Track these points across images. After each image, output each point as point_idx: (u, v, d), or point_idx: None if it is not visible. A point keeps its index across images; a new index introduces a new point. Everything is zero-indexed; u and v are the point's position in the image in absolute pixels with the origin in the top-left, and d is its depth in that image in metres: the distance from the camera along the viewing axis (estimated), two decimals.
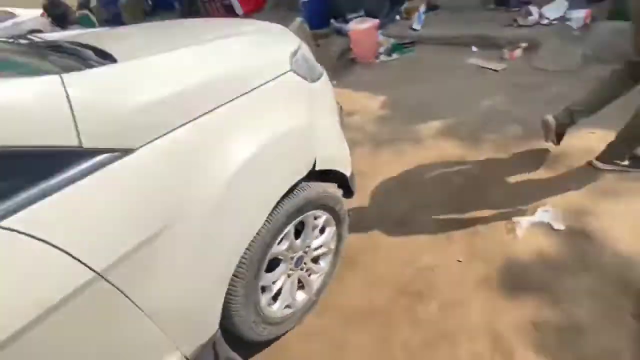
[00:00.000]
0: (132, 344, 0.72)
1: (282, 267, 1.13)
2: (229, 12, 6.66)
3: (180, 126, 0.74)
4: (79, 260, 0.59)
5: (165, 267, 0.74)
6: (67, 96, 0.59)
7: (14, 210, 0.53)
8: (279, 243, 1.05)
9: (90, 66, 0.74)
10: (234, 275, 0.90)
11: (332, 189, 1.21)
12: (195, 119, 0.77)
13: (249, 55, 0.98)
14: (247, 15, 6.38)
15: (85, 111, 0.61)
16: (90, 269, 0.61)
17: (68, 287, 0.58)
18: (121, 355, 0.70)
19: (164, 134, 0.71)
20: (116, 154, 0.65)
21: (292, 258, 1.14)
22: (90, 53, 0.88)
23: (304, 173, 1.04)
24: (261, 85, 0.92)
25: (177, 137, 0.73)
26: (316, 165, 1.08)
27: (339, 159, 1.22)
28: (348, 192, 1.33)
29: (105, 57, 0.86)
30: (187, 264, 0.78)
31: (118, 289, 0.65)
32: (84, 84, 0.63)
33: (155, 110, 0.70)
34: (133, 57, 0.81)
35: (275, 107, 0.97)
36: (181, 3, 6.95)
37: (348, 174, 1.25)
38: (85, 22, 6.71)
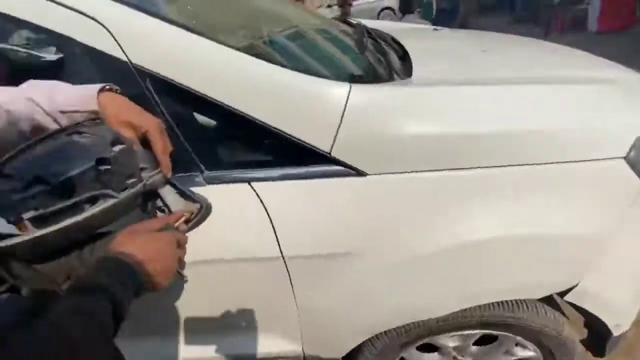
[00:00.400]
0: (269, 322, 0.80)
1: (435, 356, 0.93)
2: (576, 25, 5.55)
3: (432, 171, 0.66)
4: (277, 238, 0.68)
5: (335, 281, 0.74)
6: (345, 107, 0.62)
7: (262, 179, 0.65)
8: (450, 335, 0.85)
9: (385, 79, 0.76)
10: (384, 332, 0.81)
11: (569, 332, 0.81)
12: (457, 169, 0.66)
13: (574, 112, 0.71)
14: (600, 33, 5.09)
15: (350, 125, 0.63)
16: (280, 249, 0.68)
17: (253, 251, 0.68)
18: (251, 323, 0.79)
19: (404, 172, 0.66)
20: (351, 171, 0.65)
21: (453, 358, 0.91)
22: (396, 60, 0.91)
23: (544, 294, 0.74)
24: (567, 162, 0.66)
25: (418, 179, 0.66)
26: (569, 294, 0.74)
27: (618, 307, 0.78)
28: (597, 350, 0.86)
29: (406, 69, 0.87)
30: (354, 291, 0.76)
31: (290, 276, 0.72)
32: (365, 99, 0.65)
33: (407, 147, 0.65)
34: (432, 79, 0.78)
35: (565, 196, 0.68)
36: (513, 6, 6.43)
37: (615, 332, 0.79)
38: (426, 12, 7.36)
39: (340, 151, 0.64)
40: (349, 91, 0.63)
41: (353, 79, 0.72)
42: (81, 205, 0.48)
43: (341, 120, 0.62)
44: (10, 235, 0.44)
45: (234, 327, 0.80)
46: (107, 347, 0.37)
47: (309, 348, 0.85)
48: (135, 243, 0.45)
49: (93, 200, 0.50)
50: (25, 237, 0.44)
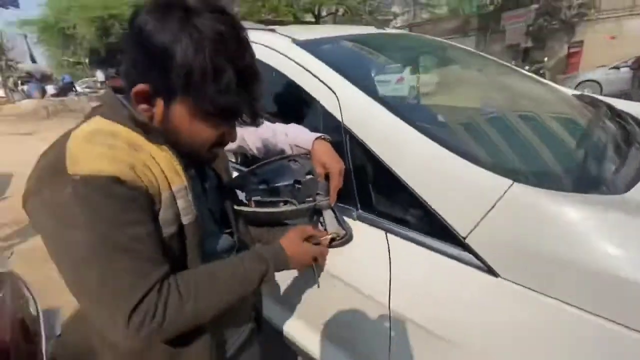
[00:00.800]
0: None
1: None
2: None
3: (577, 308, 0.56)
4: (390, 290, 0.76)
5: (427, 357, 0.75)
6: (496, 201, 0.63)
7: (397, 234, 0.76)
8: None
9: (585, 187, 0.68)
10: None
11: None
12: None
13: None
14: None
15: (496, 221, 0.64)
16: (389, 300, 0.77)
17: (366, 289, 0.79)
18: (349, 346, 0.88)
19: (542, 294, 0.59)
20: (482, 265, 0.65)
21: None
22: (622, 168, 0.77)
23: None
24: None
25: (553, 307, 0.58)
26: None
27: None
28: None
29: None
30: None
31: (390, 329, 0.79)
32: (527, 202, 0.63)
33: (551, 270, 0.58)
34: None
35: None
36: None
37: None
38: None
39: (476, 240, 0.66)
40: (508, 187, 0.63)
41: (524, 177, 0.69)
42: (279, 204, 0.77)
43: (487, 212, 0.64)
44: (245, 205, 0.77)
45: (336, 339, 0.94)
46: (241, 296, 0.60)
47: None
48: (293, 242, 0.69)
49: (285, 203, 0.78)
50: (249, 209, 0.76)
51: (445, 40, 1.66)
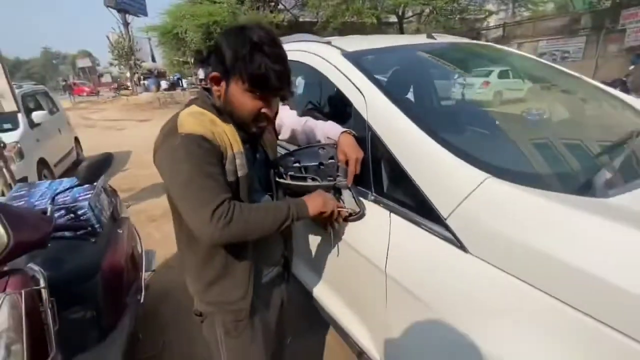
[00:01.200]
0: (363, 310, 1.05)
1: None
2: None
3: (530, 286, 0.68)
4: (387, 257, 0.94)
5: (410, 316, 0.91)
6: (472, 191, 0.77)
7: (398, 213, 0.94)
8: None
9: (574, 189, 0.77)
10: None
11: None
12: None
13: None
14: None
15: (469, 208, 0.77)
16: (385, 265, 0.95)
17: (369, 254, 0.98)
18: (353, 300, 1.05)
19: (502, 270, 0.72)
20: (457, 242, 0.80)
21: None
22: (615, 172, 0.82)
23: None
24: None
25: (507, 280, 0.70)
26: None
27: None
28: None
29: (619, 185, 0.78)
30: (418, 333, 0.89)
31: (386, 289, 0.97)
32: (497, 195, 0.75)
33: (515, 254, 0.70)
34: (622, 209, 0.70)
35: None
36: None
37: None
38: None
39: (454, 221, 0.80)
40: (481, 182, 0.76)
41: (499, 173, 0.79)
42: (306, 179, 1.01)
43: (464, 199, 0.78)
44: (283, 178, 1.03)
45: (343, 291, 1.14)
46: (273, 227, 0.84)
47: (381, 356, 1.05)
48: (311, 196, 0.92)
49: (313, 180, 1.02)
50: (285, 181, 1.02)
51: (498, 46, 1.69)
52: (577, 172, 0.86)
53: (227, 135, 0.82)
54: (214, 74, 0.81)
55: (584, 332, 0.60)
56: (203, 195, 0.75)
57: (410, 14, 14.68)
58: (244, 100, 0.81)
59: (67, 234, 1.44)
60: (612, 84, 8.62)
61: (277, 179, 1.02)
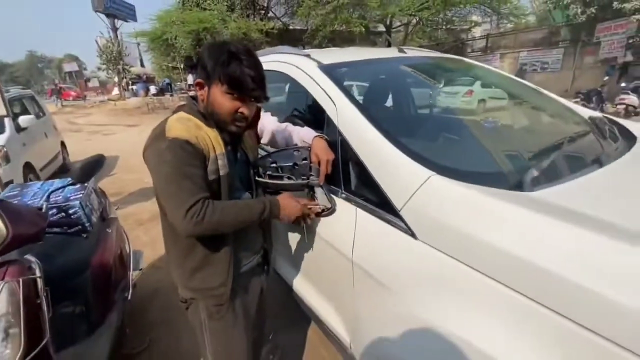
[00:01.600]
0: (334, 299, 1.17)
1: None
2: None
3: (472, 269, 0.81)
4: (353, 247, 1.07)
5: (374, 299, 1.03)
6: (418, 187, 0.90)
7: (363, 208, 1.07)
8: None
9: (507, 184, 0.91)
10: None
11: None
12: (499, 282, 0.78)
13: None
14: None
15: (416, 202, 0.90)
16: (352, 253, 1.07)
17: (339, 244, 1.10)
18: (325, 289, 1.17)
19: (445, 254, 0.85)
20: (408, 230, 0.93)
21: None
22: (550, 168, 0.97)
23: None
24: None
25: (449, 264, 0.83)
26: None
27: None
28: None
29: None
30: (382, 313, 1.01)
31: (353, 276, 1.09)
32: (438, 190, 0.89)
33: (455, 239, 0.83)
34: (547, 203, 0.84)
35: None
36: None
37: None
38: None
39: (406, 212, 0.93)
40: (427, 179, 0.89)
41: (443, 171, 0.92)
42: (282, 178, 1.13)
43: (413, 194, 0.91)
44: (262, 177, 1.15)
45: (318, 282, 1.26)
46: (247, 221, 0.96)
47: (350, 338, 1.17)
48: (285, 198, 1.04)
49: (289, 178, 1.14)
50: (263, 180, 1.14)
51: (466, 60, 1.85)
52: (511, 171, 1.01)
53: (211, 139, 0.94)
54: (198, 80, 0.95)
55: (504, 300, 0.73)
56: (180, 194, 0.86)
57: (398, 23, 15.11)
58: (223, 100, 0.94)
59: (59, 230, 1.52)
60: (588, 94, 9.07)
61: (257, 178, 1.14)
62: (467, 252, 0.80)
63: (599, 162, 1.09)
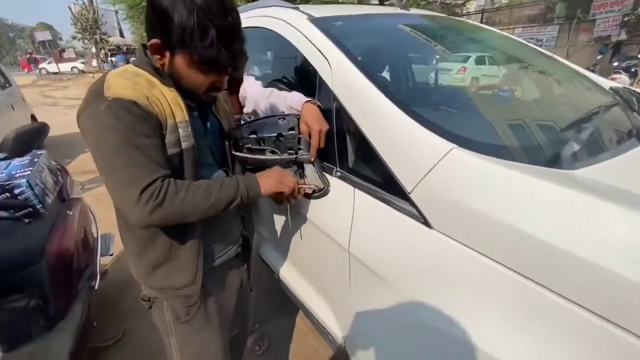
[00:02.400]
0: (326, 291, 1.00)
1: None
2: None
3: (492, 260, 0.64)
4: (350, 235, 0.89)
5: (371, 296, 0.87)
6: (436, 163, 0.72)
7: (362, 188, 0.88)
8: None
9: (543, 160, 0.73)
10: None
11: None
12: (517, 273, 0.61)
13: None
14: None
15: (433, 180, 0.72)
16: (348, 243, 0.89)
17: (333, 233, 0.92)
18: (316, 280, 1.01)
19: (465, 245, 0.68)
20: (420, 217, 0.75)
21: None
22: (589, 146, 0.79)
23: None
24: None
25: (470, 257, 0.66)
26: None
27: None
28: None
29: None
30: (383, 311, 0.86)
31: (350, 268, 0.92)
32: (461, 166, 0.70)
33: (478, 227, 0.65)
34: (588, 181, 0.67)
35: None
36: None
37: None
38: None
39: (416, 196, 0.75)
40: (447, 152, 0.71)
41: (466, 144, 0.74)
42: (264, 152, 0.93)
43: (426, 174, 0.73)
44: (240, 151, 0.94)
45: (308, 272, 1.09)
46: (218, 208, 0.74)
47: (344, 335, 1.02)
48: (265, 173, 0.83)
49: (272, 152, 0.93)
50: (241, 155, 0.93)
51: (463, 20, 1.63)
52: (545, 144, 0.83)
53: (168, 101, 0.72)
54: (155, 41, 0.68)
55: (552, 309, 0.57)
56: (130, 171, 0.65)
57: None
58: (193, 75, 0.72)
59: (4, 214, 1.29)
60: None
61: (234, 152, 0.93)
62: (497, 245, 0.63)
63: (638, 137, 0.93)
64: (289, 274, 1.26)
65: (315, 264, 1.09)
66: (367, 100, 0.86)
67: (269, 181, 0.82)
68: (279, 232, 1.29)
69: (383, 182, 0.84)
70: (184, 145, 0.74)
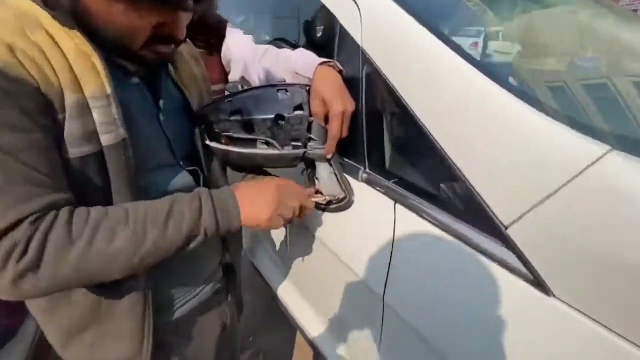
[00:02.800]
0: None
1: None
2: None
3: None
4: (386, 279, 0.57)
5: None
6: (578, 174, 0.39)
7: (409, 207, 0.55)
8: None
9: None
10: None
11: None
12: None
13: None
14: None
15: (569, 207, 0.39)
16: (384, 291, 0.58)
17: (359, 270, 0.60)
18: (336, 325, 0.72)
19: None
20: (527, 273, 0.42)
21: None
22: None
23: None
24: None
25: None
26: None
27: None
28: None
29: None
30: None
31: (383, 319, 0.61)
32: (623, 178, 0.37)
33: None
34: None
35: None
36: None
37: None
38: None
39: (523, 234, 0.42)
40: (600, 157, 0.37)
41: (622, 144, 0.41)
42: (255, 143, 0.59)
43: (551, 195, 0.40)
44: (216, 141, 0.60)
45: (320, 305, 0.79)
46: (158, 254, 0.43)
47: None
48: (252, 196, 0.49)
49: (267, 144, 0.60)
50: (218, 147, 0.60)
51: None
52: None
53: (66, 56, 0.38)
54: None
55: None
56: None
57: None
58: (118, 11, 0.38)
59: None
60: None
61: (207, 143, 0.59)
62: None
63: None
64: (294, 301, 0.95)
65: (329, 300, 0.77)
66: (436, 70, 0.51)
67: (257, 205, 0.48)
68: (277, 243, 0.98)
69: (451, 200, 0.51)
70: (104, 139, 0.40)
